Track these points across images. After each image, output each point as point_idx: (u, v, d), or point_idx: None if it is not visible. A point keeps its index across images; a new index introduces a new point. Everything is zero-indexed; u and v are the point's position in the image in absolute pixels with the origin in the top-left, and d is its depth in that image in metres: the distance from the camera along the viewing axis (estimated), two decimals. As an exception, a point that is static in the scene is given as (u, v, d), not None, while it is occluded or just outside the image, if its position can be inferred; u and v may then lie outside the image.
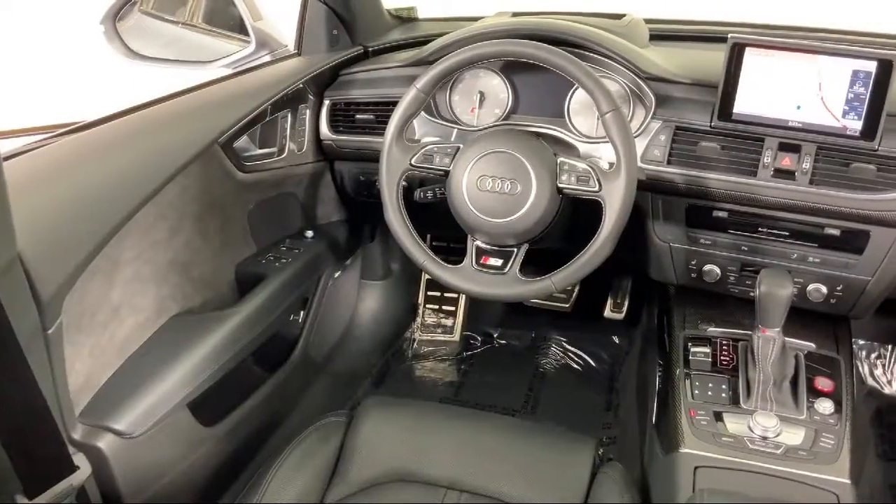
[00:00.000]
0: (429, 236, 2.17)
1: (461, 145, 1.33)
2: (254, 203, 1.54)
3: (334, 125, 1.63)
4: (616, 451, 1.78)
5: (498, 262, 1.31)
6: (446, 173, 1.33)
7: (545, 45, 1.27)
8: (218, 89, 1.47)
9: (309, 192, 1.72)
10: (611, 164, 1.33)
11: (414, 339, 2.26)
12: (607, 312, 2.23)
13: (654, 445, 1.37)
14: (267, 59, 1.67)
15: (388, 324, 2.20)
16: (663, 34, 1.68)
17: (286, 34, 1.73)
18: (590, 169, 1.26)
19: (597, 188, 1.25)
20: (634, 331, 2.16)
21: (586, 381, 2.09)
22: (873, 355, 2.05)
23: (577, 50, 1.43)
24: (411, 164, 1.33)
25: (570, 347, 2.19)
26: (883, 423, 1.92)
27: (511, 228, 1.28)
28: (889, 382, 2.03)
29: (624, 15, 1.60)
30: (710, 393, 1.33)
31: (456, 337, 2.27)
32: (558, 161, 1.29)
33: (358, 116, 1.60)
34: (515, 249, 1.31)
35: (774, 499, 1.16)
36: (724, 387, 1.34)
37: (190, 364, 1.28)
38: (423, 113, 1.51)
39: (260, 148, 1.53)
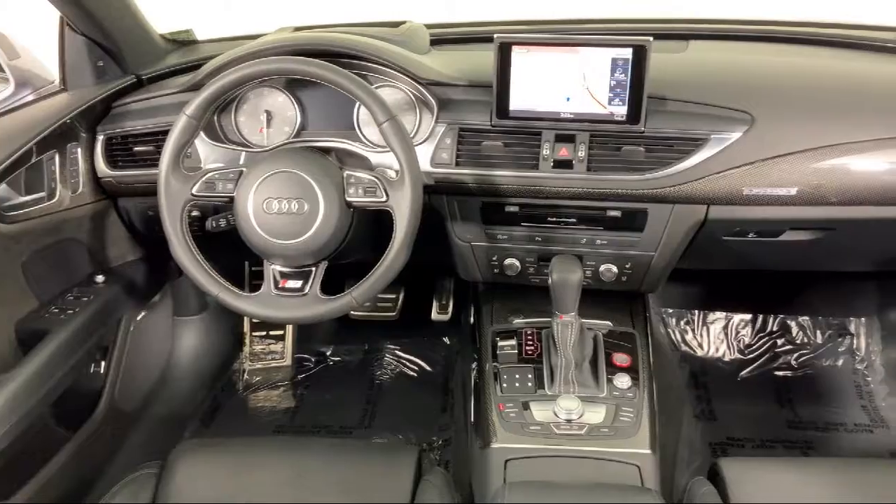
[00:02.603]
0: (247, 263, 2.10)
1: (244, 169, 1.29)
2: (27, 254, 1.41)
3: (112, 160, 1.54)
4: (452, 453, 1.79)
5: (297, 283, 1.28)
6: (231, 199, 1.28)
7: (315, 60, 1.25)
8: (-32, 137, 1.34)
9: (94, 235, 1.61)
10: (398, 173, 1.33)
11: (243, 370, 2.18)
12: (434, 315, 2.24)
13: (473, 443, 1.38)
14: (31, 98, 1.55)
15: (212, 358, 2.11)
16: (444, 38, 1.71)
17: (54, 70, 1.61)
18: (376, 179, 1.26)
19: (384, 198, 1.24)
20: (461, 330, 2.19)
21: (422, 385, 2.10)
22: (683, 321, 2.19)
23: (356, 62, 1.42)
24: (192, 195, 1.27)
25: (402, 355, 2.20)
26: (698, 384, 2.05)
27: (305, 248, 1.25)
28: (700, 345, 2.17)
29: (404, 22, 1.62)
30: (517, 384, 1.37)
31: (287, 361, 2.21)
32: (344, 174, 1.27)
33: (136, 149, 1.52)
34: (314, 269, 1.29)
35: (580, 480, 1.20)
36: (529, 376, 1.38)
37: None
38: (206, 139, 1.46)
39: (25, 195, 1.41)
